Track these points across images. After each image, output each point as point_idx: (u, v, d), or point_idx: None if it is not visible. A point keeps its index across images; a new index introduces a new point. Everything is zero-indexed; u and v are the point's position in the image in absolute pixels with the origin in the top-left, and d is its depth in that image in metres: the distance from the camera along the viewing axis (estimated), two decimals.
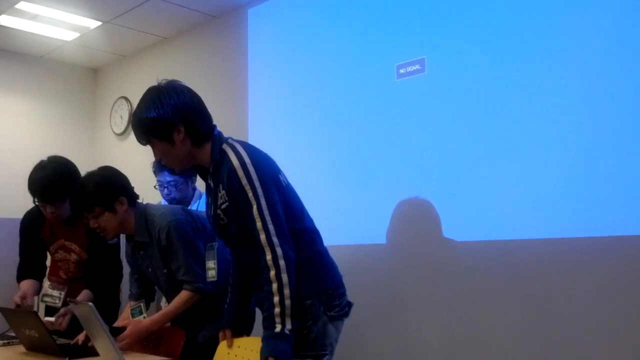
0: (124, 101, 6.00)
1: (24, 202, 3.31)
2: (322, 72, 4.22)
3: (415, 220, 3.65)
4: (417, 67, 3.69)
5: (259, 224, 2.03)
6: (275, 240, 2.03)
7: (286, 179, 2.29)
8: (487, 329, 3.32)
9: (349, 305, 2.26)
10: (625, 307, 2.89)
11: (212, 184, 2.22)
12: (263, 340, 2.00)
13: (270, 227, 2.03)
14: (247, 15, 4.84)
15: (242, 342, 2.30)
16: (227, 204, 2.14)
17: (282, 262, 2.01)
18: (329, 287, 2.20)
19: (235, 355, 2.27)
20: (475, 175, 3.40)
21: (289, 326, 1.99)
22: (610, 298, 2.93)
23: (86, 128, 6.31)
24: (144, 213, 2.74)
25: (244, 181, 2.07)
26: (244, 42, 4.85)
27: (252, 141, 4.54)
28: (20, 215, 3.41)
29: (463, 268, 3.43)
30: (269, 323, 2.01)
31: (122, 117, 5.99)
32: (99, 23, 5.16)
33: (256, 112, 4.68)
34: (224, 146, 2.21)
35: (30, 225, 3.31)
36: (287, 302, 2.00)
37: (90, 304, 2.26)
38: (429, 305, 3.56)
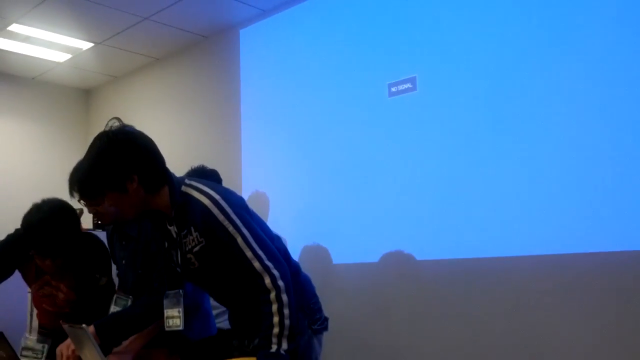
0: (116, 122, 5.99)
1: (15, 225, 3.28)
2: (314, 91, 4.24)
3: (407, 239, 3.65)
4: (408, 85, 3.71)
5: (249, 254, 2.02)
6: (269, 264, 2.01)
7: (250, 208, 2.27)
8: (475, 344, 3.32)
9: (327, 319, 2.31)
10: (606, 324, 2.92)
11: (175, 230, 2.15)
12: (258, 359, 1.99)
13: (260, 253, 2.02)
14: (238, 35, 4.86)
15: None
16: (201, 245, 2.10)
17: (281, 283, 2.00)
18: (310, 300, 2.25)
19: None
20: (467, 192, 3.40)
21: (284, 346, 1.97)
22: (595, 312, 2.96)
23: (79, 149, 6.29)
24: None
25: (221, 217, 2.04)
26: (235, 62, 4.87)
27: (245, 161, 4.63)
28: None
29: (453, 285, 3.43)
30: (265, 342, 1.99)
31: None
32: (91, 44, 5.18)
33: (249, 131, 4.69)
34: (184, 188, 2.14)
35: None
36: (287, 322, 1.98)
37: (84, 326, 2.22)
38: (418, 323, 3.56)
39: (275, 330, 1.98)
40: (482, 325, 3.32)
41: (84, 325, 2.23)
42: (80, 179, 2.52)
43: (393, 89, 3.79)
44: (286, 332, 1.98)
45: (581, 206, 3.01)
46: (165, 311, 2.29)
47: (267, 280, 2.00)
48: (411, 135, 3.67)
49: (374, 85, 3.89)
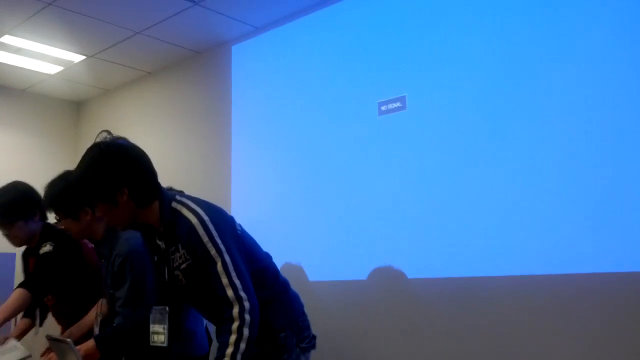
0: (106, 135, 5.98)
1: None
2: (304, 108, 4.26)
3: (397, 257, 3.66)
4: (398, 104, 3.74)
5: (224, 280, 2.02)
6: (242, 294, 2.01)
7: (240, 227, 2.28)
8: None
9: (314, 337, 2.31)
10: (601, 347, 2.91)
11: (163, 245, 2.16)
12: None
13: (237, 282, 2.02)
14: (230, 51, 4.89)
15: None
16: (188, 263, 2.11)
17: (247, 317, 1.99)
18: (298, 318, 2.27)
19: None
20: (456, 211, 3.42)
21: None
22: (592, 336, 2.95)
23: (68, 162, 6.25)
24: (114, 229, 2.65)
25: (205, 239, 2.05)
26: (227, 78, 4.89)
27: (234, 176, 4.64)
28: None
29: (443, 304, 3.43)
30: None
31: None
32: (83, 57, 5.19)
33: (239, 146, 4.70)
34: (174, 204, 2.15)
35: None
36: (239, 357, 1.97)
37: (69, 340, 2.23)
38: (408, 342, 3.56)
39: None
40: (472, 344, 3.32)
41: (68, 339, 2.23)
42: (56, 194, 2.63)
43: (383, 108, 3.81)
44: None
45: (573, 227, 3.02)
46: (151, 326, 2.28)
47: (235, 310, 1.99)
48: (401, 154, 3.70)
49: (364, 103, 3.91)
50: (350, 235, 3.86)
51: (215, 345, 2.13)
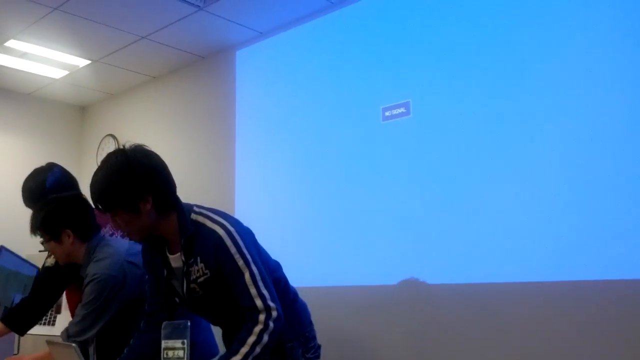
0: (111, 139, 6.00)
1: (9, 238, 3.29)
2: (308, 114, 4.26)
3: (399, 263, 3.66)
4: (402, 110, 3.74)
5: (253, 291, 2.01)
6: (271, 304, 2.02)
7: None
8: None
9: (319, 347, 2.32)
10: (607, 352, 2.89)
11: (183, 257, 2.12)
12: None
13: (265, 292, 2.03)
14: (235, 56, 4.90)
15: None
16: (206, 276, 2.08)
17: (271, 325, 2.00)
18: (305, 328, 2.29)
19: None
20: (461, 217, 3.41)
21: None
22: (597, 342, 2.93)
23: (73, 165, 6.25)
24: (94, 251, 2.64)
25: (233, 249, 2.04)
26: (231, 83, 4.90)
27: (238, 181, 4.64)
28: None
29: (447, 310, 3.43)
30: None
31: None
32: (88, 62, 5.20)
33: (243, 151, 4.70)
34: (194, 216, 2.12)
35: None
36: (250, 358, 1.97)
37: (74, 345, 2.19)
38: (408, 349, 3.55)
39: (236, 358, 1.97)
40: (482, 350, 3.31)
41: (74, 344, 2.21)
42: (41, 217, 2.62)
43: (387, 114, 3.82)
44: None
45: (582, 234, 3.00)
46: (163, 342, 2.16)
47: (262, 316, 2.00)
48: (404, 160, 3.70)
49: (368, 109, 3.91)
50: (354, 240, 3.85)
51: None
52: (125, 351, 2.32)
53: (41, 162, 5.60)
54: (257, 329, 1.99)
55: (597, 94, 3.02)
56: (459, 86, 3.52)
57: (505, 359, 3.18)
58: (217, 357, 2.05)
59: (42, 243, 2.73)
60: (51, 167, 3.23)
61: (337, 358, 3.68)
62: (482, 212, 3.33)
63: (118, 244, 2.73)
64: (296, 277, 3.98)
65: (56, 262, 2.81)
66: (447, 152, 3.51)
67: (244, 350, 1.97)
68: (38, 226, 2.65)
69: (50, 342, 2.33)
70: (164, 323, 2.16)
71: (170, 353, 2.15)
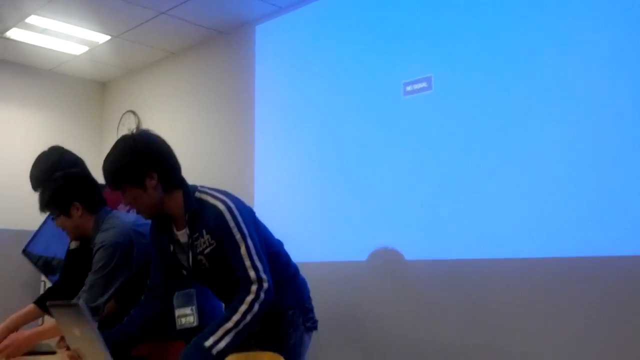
0: (131, 115, 6.03)
1: (28, 213, 3.32)
2: (328, 89, 4.24)
3: (422, 240, 3.65)
4: (424, 84, 3.70)
5: (247, 263, 2.16)
6: (263, 276, 2.16)
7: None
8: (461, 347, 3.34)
9: (317, 320, 2.48)
10: (602, 330, 2.92)
11: (188, 232, 2.28)
12: (190, 345, 2.09)
13: (259, 265, 2.17)
14: (254, 31, 4.87)
15: (252, 357, 2.27)
16: (212, 247, 2.24)
17: (262, 295, 2.14)
18: (305, 300, 2.46)
19: None
20: (478, 193, 3.39)
21: (220, 346, 2.07)
22: (587, 320, 2.99)
23: (93, 141, 6.33)
24: (101, 222, 2.70)
25: (232, 224, 2.19)
26: (251, 58, 4.88)
27: (258, 156, 4.64)
28: (23, 226, 3.39)
29: (456, 286, 3.43)
30: (208, 331, 2.10)
31: (129, 130, 6.00)
32: (108, 37, 5.21)
33: (262, 126, 4.70)
34: (198, 194, 2.29)
35: None
36: (241, 326, 2.10)
37: (80, 302, 2.21)
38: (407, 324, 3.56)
39: (228, 325, 2.10)
40: (471, 326, 3.35)
41: (80, 302, 2.21)
42: (48, 194, 2.71)
43: (408, 88, 3.78)
44: (233, 333, 2.10)
45: (580, 210, 3.01)
46: (175, 310, 2.40)
47: (254, 287, 2.15)
48: (425, 135, 3.67)
49: (389, 84, 3.88)
50: (375, 217, 3.85)
51: None
52: (124, 320, 2.46)
53: (62, 138, 5.66)
54: (249, 298, 2.12)
55: (621, 72, 2.97)
56: (481, 61, 3.47)
57: (491, 331, 3.19)
58: (212, 323, 2.14)
59: (53, 219, 2.80)
60: (53, 151, 3.30)
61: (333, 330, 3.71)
62: (507, 190, 3.30)
63: (125, 215, 2.83)
64: (318, 251, 4.02)
65: (80, 244, 2.88)
66: (470, 128, 3.48)
67: (235, 317, 2.10)
68: (47, 202, 2.72)
69: (52, 304, 2.29)
70: (175, 293, 2.40)
71: (183, 320, 2.38)
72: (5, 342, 2.61)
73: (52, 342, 2.95)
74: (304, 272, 2.52)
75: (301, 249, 3.97)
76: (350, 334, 3.86)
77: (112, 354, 2.15)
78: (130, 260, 2.64)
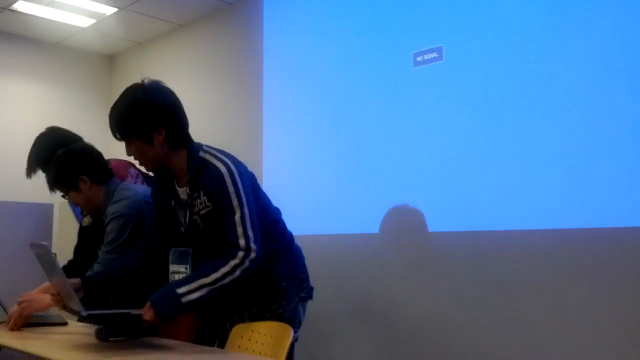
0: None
1: (33, 187, 3.31)
2: (337, 60, 4.19)
3: (427, 210, 3.63)
4: (434, 55, 3.65)
5: (239, 230, 2.14)
6: (253, 246, 2.13)
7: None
8: (475, 321, 3.34)
9: (312, 288, 2.48)
10: (620, 303, 2.90)
11: (188, 190, 2.26)
12: (163, 289, 2.09)
13: (250, 234, 2.14)
14: (262, 2, 4.81)
15: (258, 326, 2.28)
16: (208, 209, 2.22)
17: (247, 263, 2.11)
18: (299, 270, 2.45)
19: (249, 339, 2.25)
20: (488, 165, 3.36)
21: (192, 297, 2.06)
22: (606, 292, 2.95)
23: (101, 115, 6.29)
24: (112, 194, 2.71)
25: (231, 189, 2.16)
26: (259, 30, 4.83)
27: (266, 130, 4.61)
28: (25, 199, 3.37)
29: (464, 259, 3.42)
30: (184, 280, 2.11)
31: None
32: (115, 9, 5.16)
33: (271, 99, 4.66)
34: (202, 154, 2.26)
35: None
36: (217, 286, 2.08)
37: (45, 243, 2.23)
38: (419, 297, 3.55)
39: (206, 280, 2.08)
40: (484, 296, 3.33)
41: (44, 243, 2.23)
42: (53, 173, 2.69)
43: (419, 59, 3.73)
44: (208, 289, 2.07)
45: (607, 181, 2.96)
46: (170, 266, 2.36)
47: (241, 254, 2.12)
48: (436, 106, 3.62)
49: (399, 54, 3.83)
50: (383, 187, 3.83)
51: None
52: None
53: (70, 112, 5.64)
54: (233, 262, 2.11)
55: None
56: (493, 31, 3.42)
57: (505, 302, 3.17)
58: (191, 273, 2.18)
59: (63, 196, 2.80)
60: (51, 131, 3.26)
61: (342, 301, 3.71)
62: (517, 160, 3.27)
63: (136, 187, 2.83)
64: (328, 224, 4.01)
65: (93, 220, 2.88)
66: (481, 99, 3.43)
67: (215, 275, 2.09)
68: (54, 181, 2.71)
69: (32, 244, 2.27)
70: (171, 250, 2.36)
71: (177, 276, 2.34)
72: (27, 296, 2.56)
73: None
74: (312, 244, 2.52)
75: (311, 221, 3.99)
76: (360, 308, 3.85)
77: (95, 294, 2.30)
78: (142, 232, 2.64)
